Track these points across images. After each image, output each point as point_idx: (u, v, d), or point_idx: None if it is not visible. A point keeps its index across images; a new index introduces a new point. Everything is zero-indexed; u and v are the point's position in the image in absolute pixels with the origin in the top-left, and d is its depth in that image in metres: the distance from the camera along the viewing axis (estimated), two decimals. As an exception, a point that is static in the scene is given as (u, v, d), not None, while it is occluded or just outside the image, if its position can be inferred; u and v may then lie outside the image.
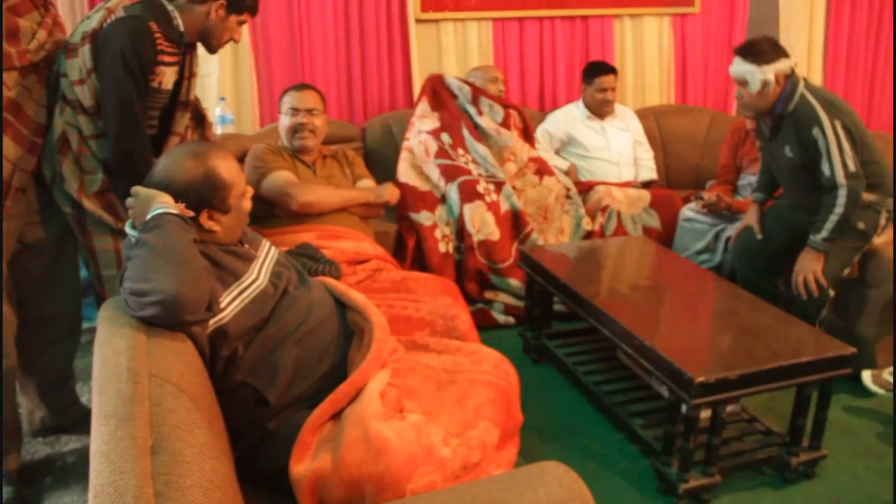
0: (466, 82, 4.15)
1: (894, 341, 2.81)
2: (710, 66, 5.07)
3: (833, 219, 2.97)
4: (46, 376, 2.70)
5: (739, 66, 3.04)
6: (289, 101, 3.19)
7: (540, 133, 4.42)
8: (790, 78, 3.02)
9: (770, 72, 2.98)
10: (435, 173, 3.82)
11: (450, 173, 3.79)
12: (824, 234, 3.01)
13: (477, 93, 4.12)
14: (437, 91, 4.11)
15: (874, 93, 5.35)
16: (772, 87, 3.01)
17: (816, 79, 5.06)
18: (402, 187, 3.78)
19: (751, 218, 3.40)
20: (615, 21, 4.81)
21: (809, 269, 3.06)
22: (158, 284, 1.60)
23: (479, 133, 3.98)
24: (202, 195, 1.90)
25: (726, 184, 4.01)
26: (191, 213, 1.85)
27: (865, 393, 3.10)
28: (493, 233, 3.67)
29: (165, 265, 1.63)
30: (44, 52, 2.38)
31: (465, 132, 3.95)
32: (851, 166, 2.93)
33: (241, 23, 2.57)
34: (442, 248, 3.68)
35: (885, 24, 5.26)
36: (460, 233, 3.68)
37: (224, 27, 2.52)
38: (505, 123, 4.13)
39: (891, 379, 2.92)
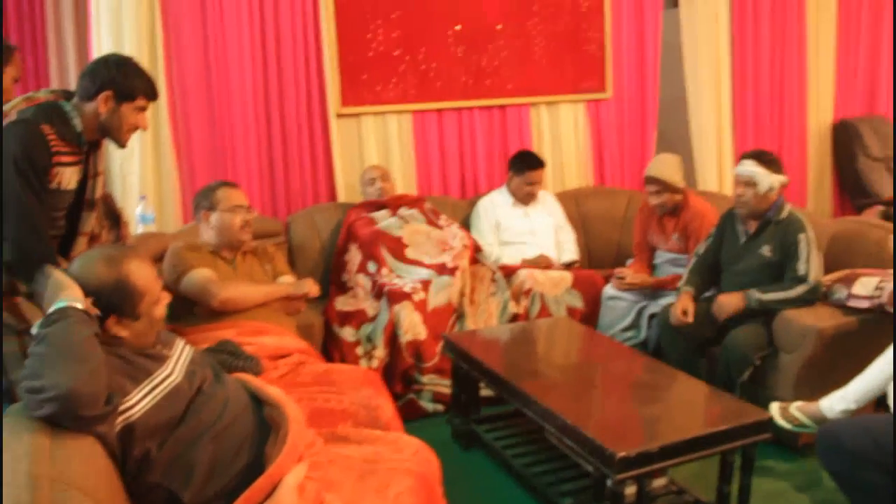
0: (381, 202, 4.27)
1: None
2: (626, 148, 5.25)
3: (782, 296, 3.26)
4: None
5: (752, 168, 3.34)
6: (230, 198, 3.18)
7: (477, 226, 4.49)
8: (782, 193, 3.41)
9: (776, 181, 3.33)
10: (373, 306, 3.88)
11: (379, 294, 3.87)
12: (765, 298, 3.27)
13: (393, 209, 4.24)
14: (357, 225, 4.18)
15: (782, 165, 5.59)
16: (773, 193, 3.34)
17: (728, 157, 5.28)
18: (329, 306, 3.89)
19: (686, 305, 3.45)
20: (532, 109, 4.97)
21: (730, 305, 3.32)
22: (53, 380, 1.58)
23: (407, 245, 4.07)
24: (112, 301, 1.89)
25: (643, 261, 4.12)
26: (96, 311, 1.84)
27: (788, 457, 3.15)
28: (421, 332, 3.70)
29: (61, 361, 1.61)
30: None
31: (384, 252, 4.02)
32: (821, 276, 3.30)
33: (139, 109, 2.50)
34: (364, 363, 3.70)
35: (785, 104, 5.55)
36: (391, 339, 3.69)
37: (120, 118, 2.47)
38: (428, 220, 4.25)
39: (797, 414, 2.96)
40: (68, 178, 2.45)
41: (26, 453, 1.43)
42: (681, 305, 3.45)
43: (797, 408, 2.98)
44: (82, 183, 2.55)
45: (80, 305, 1.78)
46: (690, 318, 3.41)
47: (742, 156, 3.46)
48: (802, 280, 3.25)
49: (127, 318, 1.92)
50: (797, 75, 5.54)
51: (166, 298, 2.07)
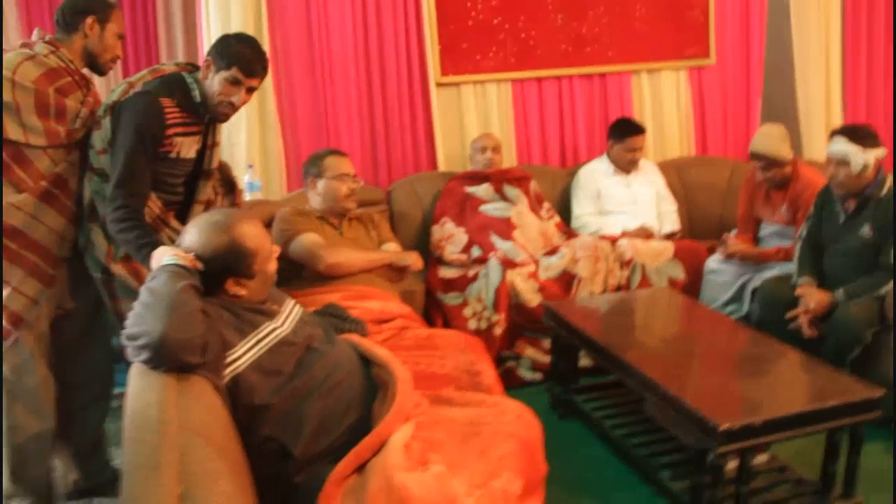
0: (483, 174, 4.27)
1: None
2: (729, 116, 5.12)
3: (872, 293, 3.16)
4: (79, 440, 2.77)
5: (843, 146, 3.19)
6: (337, 166, 3.28)
7: (577, 196, 4.48)
8: (881, 166, 3.22)
9: (871, 156, 3.17)
10: (476, 269, 3.88)
11: (483, 260, 3.89)
12: (849, 295, 3.20)
13: (496, 184, 4.25)
14: (458, 201, 4.21)
15: (897, 133, 5.36)
16: (869, 170, 3.19)
17: (837, 121, 5.07)
18: (431, 275, 3.92)
19: (820, 300, 3.27)
20: (633, 77, 4.89)
21: (818, 302, 3.24)
22: (146, 327, 1.69)
23: (514, 225, 4.09)
24: (228, 264, 2.00)
25: (747, 233, 4.03)
26: (199, 266, 1.95)
27: (900, 438, 3.06)
28: (532, 299, 3.71)
29: (155, 310, 1.72)
30: (85, 128, 2.52)
31: (494, 238, 4.02)
32: None
33: (233, 81, 2.50)
34: (472, 325, 3.71)
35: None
36: (497, 302, 3.70)
37: (213, 85, 2.52)
38: (531, 205, 4.26)
39: None
40: (188, 147, 2.57)
41: (156, 401, 1.52)
42: (814, 310, 3.27)
43: None
44: (201, 152, 2.66)
45: (182, 262, 1.89)
46: (818, 315, 3.26)
47: (832, 132, 3.31)
48: (891, 272, 3.13)
49: (243, 278, 2.02)
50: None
51: (277, 252, 2.16)
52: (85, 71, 2.64)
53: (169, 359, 1.68)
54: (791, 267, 3.55)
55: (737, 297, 3.92)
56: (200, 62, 2.61)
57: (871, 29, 5.20)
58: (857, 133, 3.22)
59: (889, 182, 3.25)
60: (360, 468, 1.82)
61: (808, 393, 2.59)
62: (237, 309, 1.97)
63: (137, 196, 2.44)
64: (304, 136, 4.40)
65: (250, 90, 2.57)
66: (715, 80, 5.03)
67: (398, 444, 1.83)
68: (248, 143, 4.21)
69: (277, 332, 2.00)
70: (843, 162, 3.19)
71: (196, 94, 2.55)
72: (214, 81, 2.52)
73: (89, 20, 2.57)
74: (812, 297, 3.27)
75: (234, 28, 3.99)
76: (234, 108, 2.59)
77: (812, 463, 2.77)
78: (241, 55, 2.50)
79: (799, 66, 5.09)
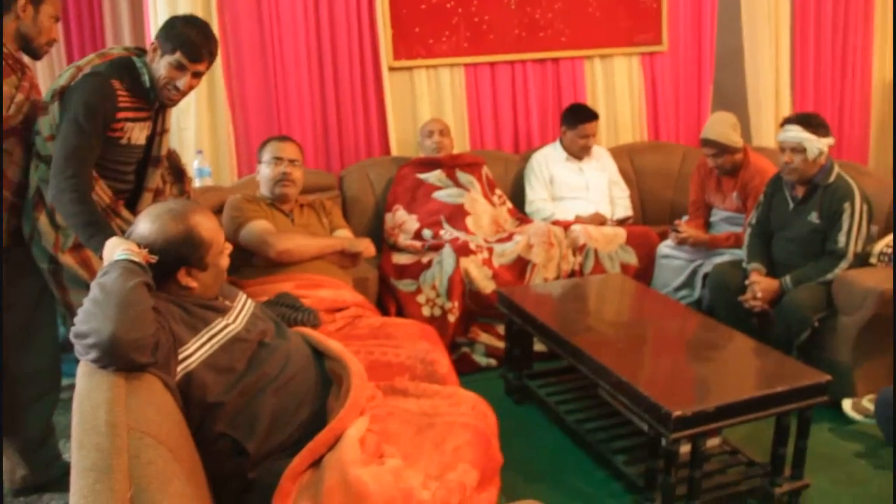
0: (435, 160, 4.24)
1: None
2: (681, 102, 5.16)
3: (819, 279, 3.23)
4: (27, 434, 2.70)
5: (798, 134, 3.23)
6: (272, 150, 3.23)
7: (530, 182, 4.47)
8: (829, 154, 3.33)
9: (825, 144, 3.22)
10: (430, 256, 3.86)
11: (437, 247, 3.87)
12: (797, 281, 3.26)
13: (448, 170, 4.22)
14: (410, 188, 4.18)
15: (843, 122, 5.47)
16: (823, 157, 3.25)
17: (786, 111, 5.15)
18: (385, 261, 3.90)
19: (768, 287, 3.34)
20: (585, 62, 4.90)
21: (768, 290, 3.30)
22: (96, 325, 1.63)
23: (468, 212, 4.09)
24: (181, 254, 1.94)
25: (698, 219, 4.07)
26: (153, 259, 1.88)
27: (846, 420, 3.12)
28: (486, 286, 3.71)
29: (105, 307, 1.65)
30: (22, 114, 2.44)
31: (444, 222, 4.02)
32: (860, 247, 3.27)
33: (178, 66, 2.44)
34: (426, 311, 3.70)
35: (848, 54, 5.38)
36: (451, 290, 3.70)
37: (159, 69, 2.46)
38: (483, 191, 4.24)
39: (870, 406, 2.95)
40: (137, 133, 2.51)
41: (105, 401, 1.48)
42: (764, 298, 3.34)
43: (869, 400, 2.97)
44: (150, 139, 2.59)
45: (134, 258, 1.83)
46: (765, 303, 3.34)
47: (785, 120, 3.34)
48: (840, 255, 3.22)
49: (196, 269, 1.98)
50: (862, 27, 5.36)
51: (229, 248, 2.12)
52: (25, 59, 2.55)
53: (118, 359, 1.63)
54: (742, 253, 3.60)
55: (688, 283, 3.97)
56: (148, 47, 2.54)
57: (819, 19, 5.27)
58: (810, 121, 3.26)
59: (836, 170, 3.30)
60: (316, 463, 1.80)
61: (758, 378, 2.63)
62: (189, 305, 1.93)
63: (87, 169, 2.37)
64: (255, 121, 4.32)
65: (196, 75, 2.51)
66: (667, 67, 5.06)
67: (353, 438, 1.82)
68: (197, 128, 4.13)
69: (230, 328, 1.97)
70: (798, 149, 3.24)
71: (145, 78, 2.49)
72: (160, 65, 2.46)
73: (22, 1, 2.47)
74: (760, 285, 3.32)
75: (182, 11, 3.89)
76: (181, 93, 2.52)
77: (762, 446, 2.83)
78: (187, 39, 2.43)
79: (749, 55, 5.15)
